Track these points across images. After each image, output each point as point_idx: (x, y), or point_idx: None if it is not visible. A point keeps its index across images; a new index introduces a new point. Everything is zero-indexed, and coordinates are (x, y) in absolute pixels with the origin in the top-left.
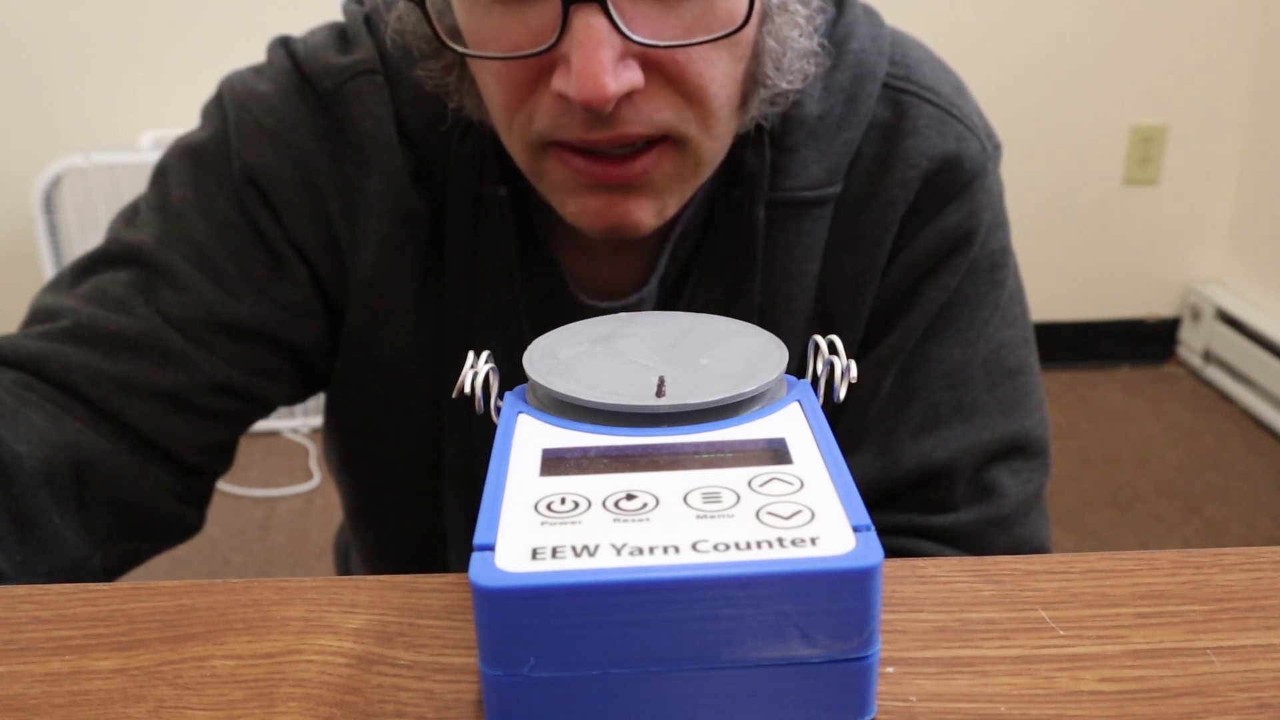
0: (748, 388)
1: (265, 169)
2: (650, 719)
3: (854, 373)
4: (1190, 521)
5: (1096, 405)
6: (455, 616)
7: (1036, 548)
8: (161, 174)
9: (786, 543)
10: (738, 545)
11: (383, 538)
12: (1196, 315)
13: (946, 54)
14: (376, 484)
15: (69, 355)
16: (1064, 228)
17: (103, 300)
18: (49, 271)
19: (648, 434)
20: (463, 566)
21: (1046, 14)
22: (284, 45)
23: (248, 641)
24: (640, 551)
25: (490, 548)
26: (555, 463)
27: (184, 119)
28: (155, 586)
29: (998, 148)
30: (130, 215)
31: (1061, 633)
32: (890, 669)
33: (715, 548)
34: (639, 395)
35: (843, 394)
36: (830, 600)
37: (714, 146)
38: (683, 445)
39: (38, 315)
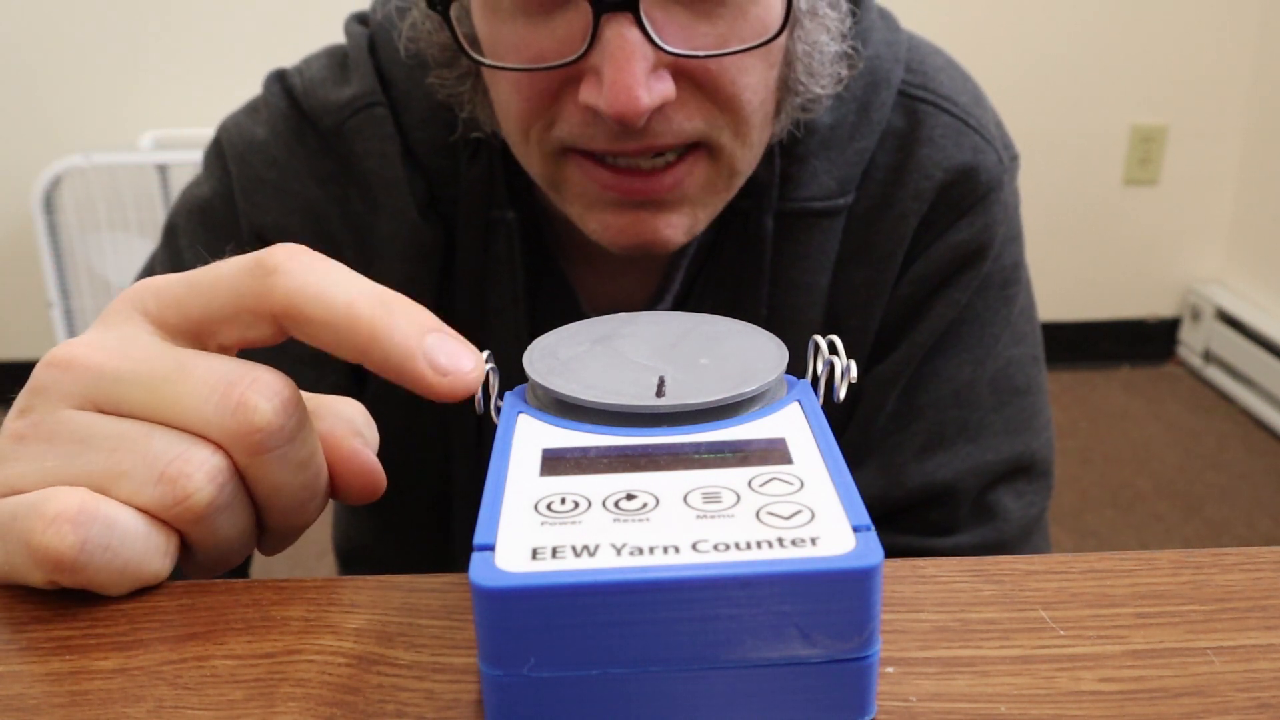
0: (747, 388)
1: (274, 226)
2: (650, 719)
3: (854, 372)
4: (1190, 521)
5: (1096, 405)
6: (455, 616)
7: None
8: (172, 233)
9: (786, 543)
10: (737, 545)
11: (389, 559)
12: (1196, 315)
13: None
14: (387, 511)
15: None
16: (1064, 228)
17: None
18: (49, 272)
19: (648, 434)
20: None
21: (1046, 14)
22: (279, 81)
23: (248, 641)
24: (640, 551)
25: (490, 548)
26: (555, 463)
27: (184, 119)
28: (155, 586)
29: (1015, 159)
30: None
31: (1061, 633)
32: (890, 669)
33: (715, 547)
34: (639, 395)
35: (843, 394)
36: (830, 600)
37: (747, 156)
38: (683, 445)
39: None
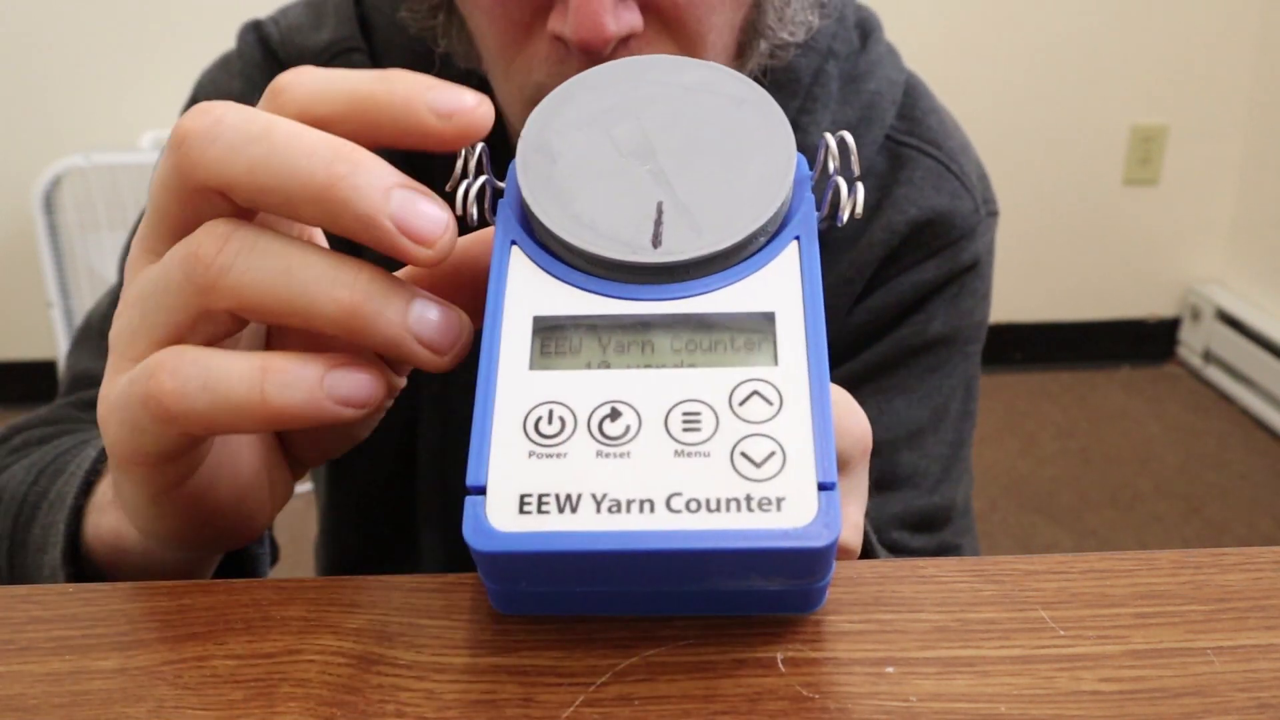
0: (750, 227)
1: None
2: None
3: (860, 195)
4: (1190, 521)
5: (1096, 405)
6: (455, 616)
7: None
8: None
9: (755, 505)
10: (709, 506)
11: (353, 519)
12: (1196, 315)
13: (947, 54)
14: (352, 468)
15: None
16: (1064, 228)
17: None
18: (49, 271)
19: (640, 298)
20: (433, 550)
21: (1047, 14)
22: (254, 30)
23: (248, 641)
24: (618, 507)
25: (481, 490)
26: (545, 339)
27: None
28: (155, 586)
29: (994, 214)
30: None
31: (1061, 633)
32: (890, 669)
33: (689, 506)
34: (633, 240)
35: (846, 217)
36: (788, 564)
37: None
38: (673, 318)
39: (79, 381)
